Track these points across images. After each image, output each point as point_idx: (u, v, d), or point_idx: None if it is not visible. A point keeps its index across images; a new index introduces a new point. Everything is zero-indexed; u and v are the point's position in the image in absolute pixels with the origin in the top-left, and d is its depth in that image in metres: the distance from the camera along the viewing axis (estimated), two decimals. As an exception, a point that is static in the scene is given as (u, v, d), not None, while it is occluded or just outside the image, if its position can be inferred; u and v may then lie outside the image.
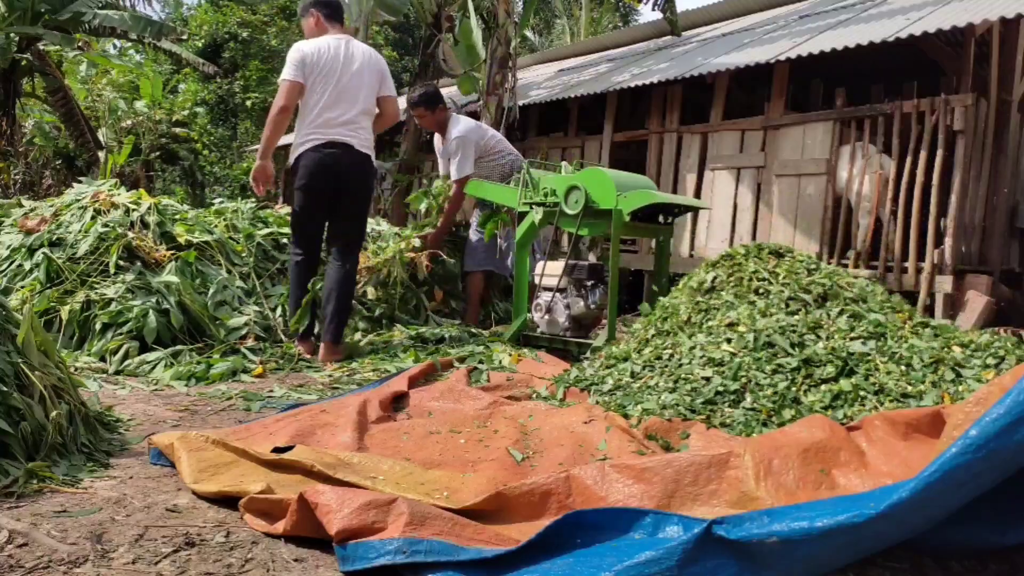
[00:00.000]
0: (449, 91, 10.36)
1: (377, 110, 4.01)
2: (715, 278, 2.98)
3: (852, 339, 2.43)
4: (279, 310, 4.24)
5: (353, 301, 4.16)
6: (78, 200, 4.36)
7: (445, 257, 4.91)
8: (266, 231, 4.84)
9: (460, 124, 4.93)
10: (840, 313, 2.59)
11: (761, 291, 2.81)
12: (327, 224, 3.98)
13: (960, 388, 2.15)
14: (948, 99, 5.60)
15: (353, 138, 3.81)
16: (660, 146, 7.67)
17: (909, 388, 2.19)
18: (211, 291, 4.07)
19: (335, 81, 3.79)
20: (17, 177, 12.60)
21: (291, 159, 3.89)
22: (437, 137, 5.17)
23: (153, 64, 16.70)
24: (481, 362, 3.59)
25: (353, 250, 3.99)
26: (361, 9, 8.95)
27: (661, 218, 4.27)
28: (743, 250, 3.05)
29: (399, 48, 18.82)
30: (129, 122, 15.37)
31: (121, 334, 3.61)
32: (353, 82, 3.82)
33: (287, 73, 3.79)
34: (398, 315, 4.55)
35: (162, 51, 12.82)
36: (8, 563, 1.45)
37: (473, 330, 4.54)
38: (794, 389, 2.29)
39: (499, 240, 4.91)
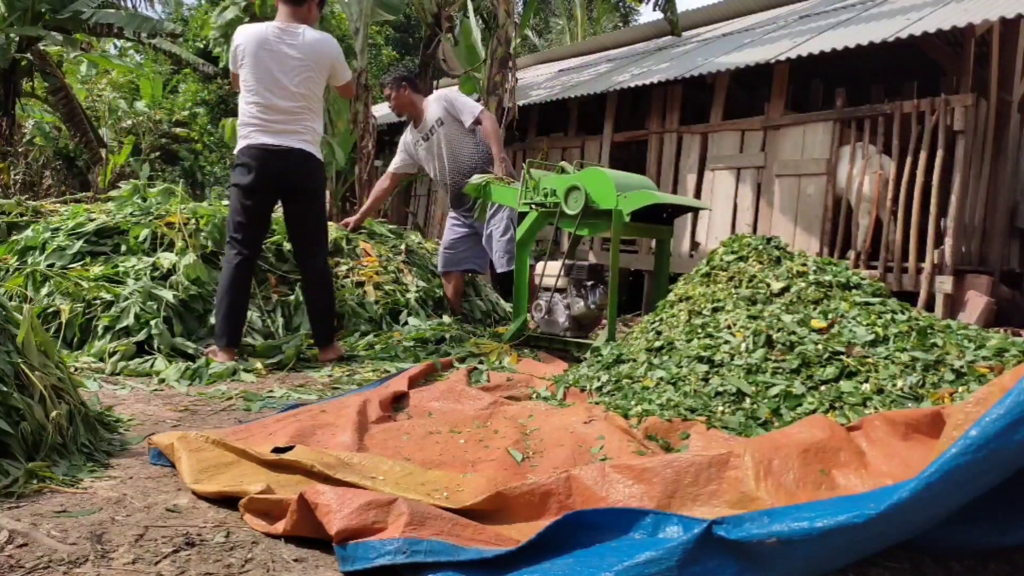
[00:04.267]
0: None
1: (321, 102, 3.81)
2: (716, 274, 2.99)
3: (853, 340, 2.43)
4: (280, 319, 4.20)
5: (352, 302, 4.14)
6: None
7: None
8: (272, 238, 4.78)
9: (439, 91, 4.94)
10: (841, 314, 2.59)
11: (762, 291, 2.81)
12: (289, 233, 3.85)
13: (960, 388, 2.15)
14: (948, 99, 5.61)
15: (290, 136, 3.61)
16: (660, 146, 7.67)
17: (909, 389, 2.19)
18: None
19: (264, 77, 3.56)
20: (17, 177, 12.61)
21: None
22: (407, 134, 5.00)
23: (153, 64, 16.69)
24: (481, 362, 3.60)
25: (319, 250, 3.84)
26: (361, 9, 8.95)
27: (665, 214, 4.26)
28: (749, 242, 3.06)
29: (399, 48, 18.81)
30: (129, 122, 15.38)
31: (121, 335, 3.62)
32: (285, 77, 3.57)
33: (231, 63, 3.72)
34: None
35: (162, 51, 12.82)
36: (8, 563, 1.45)
37: (473, 330, 4.55)
38: (794, 390, 2.29)
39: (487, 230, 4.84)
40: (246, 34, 3.63)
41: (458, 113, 4.73)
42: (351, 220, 5.18)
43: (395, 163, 5.13)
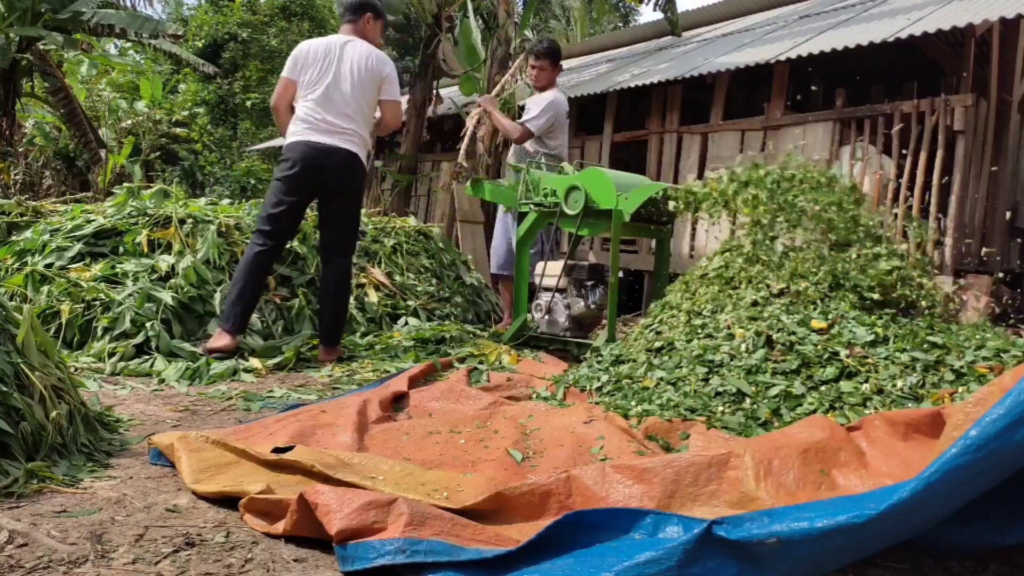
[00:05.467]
0: (449, 91, 10.38)
1: (377, 113, 3.97)
2: (716, 275, 2.99)
3: (853, 340, 2.43)
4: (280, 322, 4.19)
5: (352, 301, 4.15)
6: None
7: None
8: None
9: (558, 94, 4.99)
10: (841, 314, 2.59)
11: (762, 291, 2.81)
12: (320, 229, 3.94)
13: (960, 388, 2.15)
14: (948, 99, 5.60)
15: (339, 136, 3.75)
16: (660, 146, 7.67)
17: (909, 389, 2.19)
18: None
19: (323, 80, 3.77)
20: (17, 177, 12.61)
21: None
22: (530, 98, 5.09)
23: (153, 64, 16.69)
24: (481, 362, 3.60)
25: (347, 251, 3.95)
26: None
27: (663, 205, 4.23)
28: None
29: (399, 48, 18.81)
30: (129, 122, 15.37)
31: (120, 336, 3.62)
32: (342, 82, 3.78)
33: (284, 70, 3.89)
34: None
35: (162, 51, 12.82)
36: (8, 563, 1.45)
37: (474, 330, 4.55)
38: (794, 390, 2.29)
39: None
40: (311, 45, 3.88)
41: (528, 106, 4.89)
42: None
43: (537, 128, 5.01)
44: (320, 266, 4.06)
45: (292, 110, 3.85)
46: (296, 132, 3.77)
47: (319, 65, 3.78)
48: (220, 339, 3.63)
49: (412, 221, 5.79)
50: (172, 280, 3.93)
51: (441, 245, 5.63)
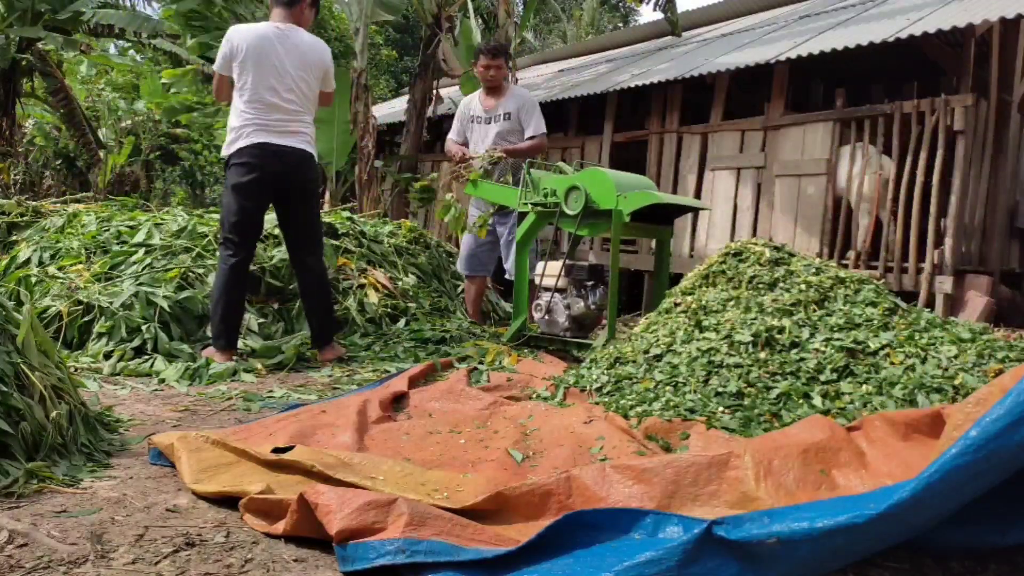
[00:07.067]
0: (449, 91, 10.38)
1: (316, 104, 3.81)
2: (716, 275, 2.99)
3: (854, 341, 2.43)
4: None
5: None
6: None
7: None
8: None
9: (521, 87, 4.86)
10: (842, 314, 2.59)
11: (763, 292, 2.81)
12: (284, 230, 3.85)
13: (960, 387, 2.15)
14: (948, 99, 5.60)
15: (292, 136, 3.61)
16: (660, 146, 7.67)
17: (909, 389, 2.19)
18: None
19: (265, 76, 3.56)
20: (17, 177, 12.59)
21: (224, 152, 3.67)
22: (477, 98, 4.95)
23: (152, 64, 16.66)
24: (481, 362, 3.60)
25: (315, 249, 3.84)
26: (361, 9, 8.95)
27: (667, 210, 4.23)
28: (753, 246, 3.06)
29: (399, 48, 18.80)
30: (129, 122, 15.36)
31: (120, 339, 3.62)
32: (285, 77, 3.58)
33: (216, 64, 3.69)
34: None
35: (162, 51, 12.81)
36: (8, 563, 1.45)
37: (475, 330, 4.55)
38: (794, 390, 2.29)
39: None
40: (242, 34, 3.61)
41: (525, 120, 4.76)
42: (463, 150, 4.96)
43: (454, 133, 5.03)
44: (295, 272, 3.93)
45: None
46: (243, 135, 3.57)
47: (259, 56, 3.55)
48: (217, 357, 3.56)
49: (410, 223, 5.80)
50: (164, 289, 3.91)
51: (439, 244, 5.64)
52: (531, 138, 4.74)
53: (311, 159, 3.72)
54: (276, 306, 4.23)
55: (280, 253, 4.39)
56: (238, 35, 3.61)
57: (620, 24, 20.52)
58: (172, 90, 12.16)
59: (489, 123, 4.83)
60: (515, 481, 1.84)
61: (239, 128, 3.59)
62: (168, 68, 11.81)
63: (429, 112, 9.56)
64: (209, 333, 3.76)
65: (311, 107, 3.74)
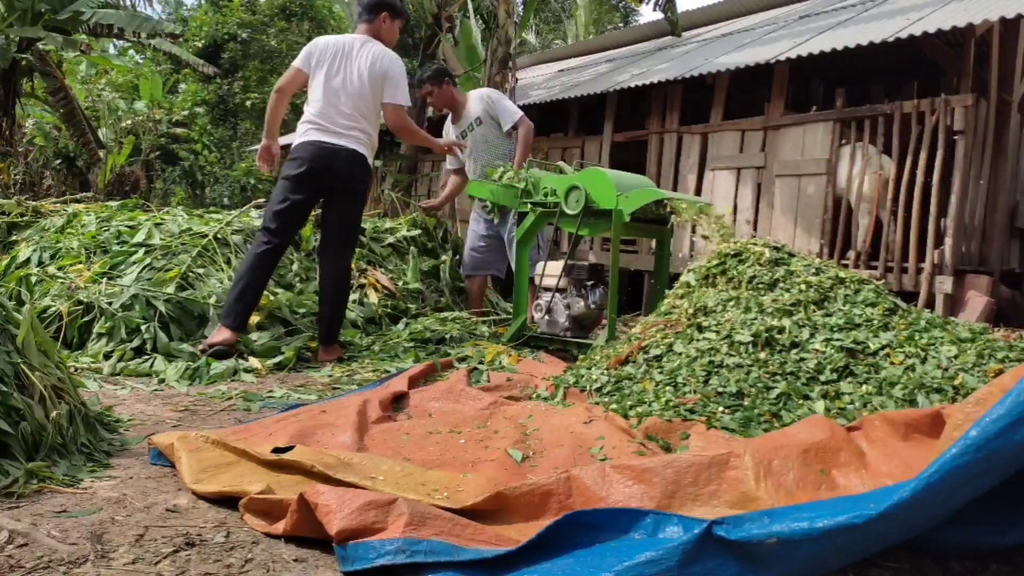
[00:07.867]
0: (449, 91, 10.38)
1: (378, 111, 3.95)
2: (716, 276, 2.99)
3: (854, 341, 2.43)
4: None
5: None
6: None
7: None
8: None
9: (479, 89, 4.96)
10: (842, 314, 2.59)
11: (762, 292, 2.81)
12: (322, 228, 3.94)
13: (960, 387, 2.15)
14: (948, 99, 5.60)
15: (346, 137, 3.76)
16: (660, 146, 7.67)
17: (909, 389, 2.19)
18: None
19: (332, 80, 3.78)
20: (17, 177, 12.59)
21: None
22: (448, 122, 5.04)
23: (152, 64, 16.68)
24: (481, 362, 3.59)
25: (348, 251, 3.96)
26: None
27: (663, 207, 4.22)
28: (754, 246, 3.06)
29: (399, 48, 18.80)
30: (129, 122, 15.36)
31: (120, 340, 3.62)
32: (350, 84, 3.78)
33: (297, 60, 3.90)
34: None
35: (161, 51, 12.82)
36: (8, 563, 1.45)
37: (475, 331, 4.54)
38: (794, 390, 2.29)
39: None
40: (325, 40, 3.89)
41: (498, 115, 4.78)
42: (432, 203, 5.40)
43: (449, 162, 5.20)
44: (318, 267, 4.05)
45: (290, 107, 3.86)
46: (304, 132, 3.80)
47: (331, 63, 3.79)
48: (219, 334, 3.63)
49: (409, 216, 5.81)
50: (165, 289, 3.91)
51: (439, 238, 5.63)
52: (513, 128, 4.77)
53: (362, 159, 3.83)
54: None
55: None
56: (322, 41, 3.91)
57: (620, 24, 20.50)
58: None
59: (466, 137, 4.89)
60: (515, 481, 1.84)
61: (301, 127, 3.82)
62: (168, 68, 11.84)
63: (429, 112, 9.56)
64: (207, 335, 3.77)
65: (372, 115, 3.89)
